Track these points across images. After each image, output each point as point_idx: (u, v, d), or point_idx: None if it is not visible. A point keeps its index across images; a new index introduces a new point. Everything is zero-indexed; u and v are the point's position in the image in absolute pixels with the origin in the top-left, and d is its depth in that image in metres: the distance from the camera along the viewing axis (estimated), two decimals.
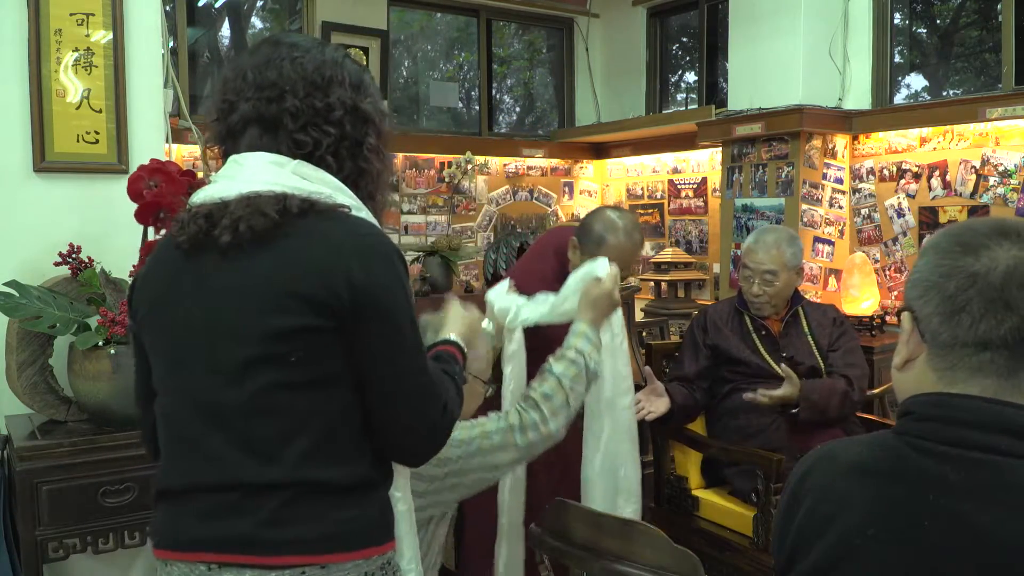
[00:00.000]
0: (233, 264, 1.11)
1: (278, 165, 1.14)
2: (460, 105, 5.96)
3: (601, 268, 1.95)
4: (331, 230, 1.11)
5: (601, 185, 6.13)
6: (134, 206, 2.04)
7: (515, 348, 2.07)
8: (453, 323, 1.44)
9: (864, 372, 2.58)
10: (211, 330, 1.12)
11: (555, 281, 2.15)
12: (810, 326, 2.65)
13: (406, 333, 1.14)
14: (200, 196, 1.16)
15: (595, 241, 2.26)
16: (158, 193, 1.97)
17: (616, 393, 2.10)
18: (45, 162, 2.32)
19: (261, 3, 5.39)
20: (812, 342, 2.62)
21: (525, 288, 2.14)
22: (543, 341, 2.01)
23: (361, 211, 1.17)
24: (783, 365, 2.46)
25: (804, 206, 4.08)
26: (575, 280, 1.98)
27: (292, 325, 1.08)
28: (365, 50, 5.12)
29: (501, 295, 2.08)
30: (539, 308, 2.03)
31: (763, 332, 2.61)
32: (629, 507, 2.15)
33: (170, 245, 1.17)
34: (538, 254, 2.55)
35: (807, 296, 3.08)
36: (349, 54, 1.25)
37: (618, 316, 2.09)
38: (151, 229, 2.08)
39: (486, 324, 2.03)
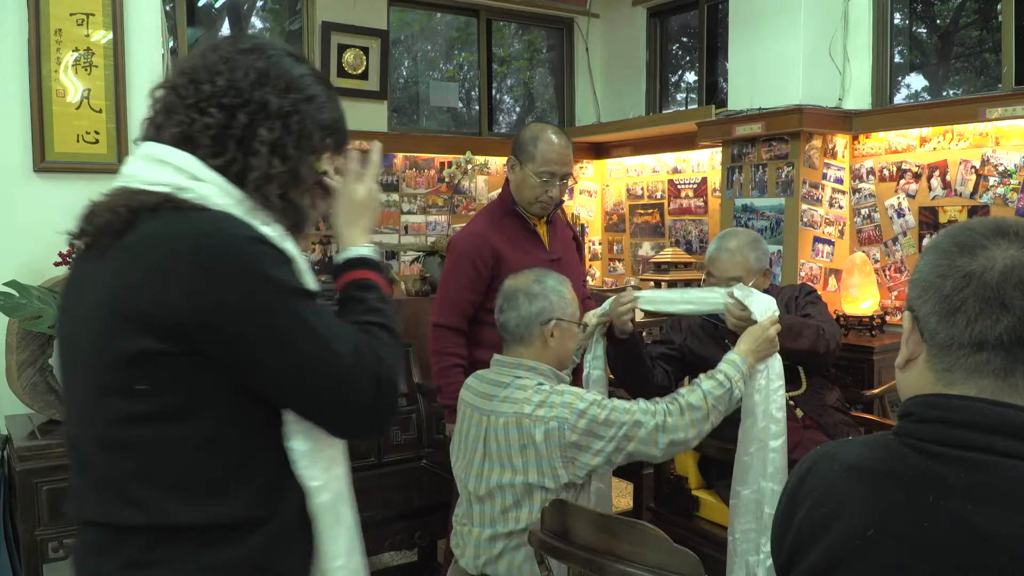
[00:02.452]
0: (94, 274, 1.02)
1: (148, 154, 1.07)
2: (460, 105, 5.96)
3: (766, 308, 2.16)
4: (172, 234, 0.99)
5: (601, 185, 6.12)
6: None
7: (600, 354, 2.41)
8: (351, 218, 1.25)
9: (835, 328, 2.55)
10: (75, 352, 1.04)
11: (498, 208, 2.59)
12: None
13: (289, 332, 1.00)
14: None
15: (530, 148, 2.48)
16: None
17: (768, 435, 2.09)
18: (45, 162, 2.32)
19: (261, 3, 5.39)
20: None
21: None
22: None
23: (235, 207, 1.05)
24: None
25: (804, 206, 4.08)
26: (717, 295, 2.29)
27: (130, 349, 0.97)
28: (365, 50, 5.12)
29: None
30: (663, 295, 2.36)
31: (733, 336, 2.57)
32: (767, 547, 2.15)
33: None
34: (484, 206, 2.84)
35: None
36: (293, 54, 1.16)
37: (778, 362, 2.12)
38: None
39: (590, 316, 2.39)
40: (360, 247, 1.20)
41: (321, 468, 1.08)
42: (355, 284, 1.16)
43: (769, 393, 2.09)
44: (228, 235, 1.00)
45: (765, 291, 2.61)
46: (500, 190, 2.66)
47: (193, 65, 1.11)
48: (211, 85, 1.08)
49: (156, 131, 1.09)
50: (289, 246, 1.08)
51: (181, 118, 1.06)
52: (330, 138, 1.18)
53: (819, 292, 4.07)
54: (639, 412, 1.89)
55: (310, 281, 1.10)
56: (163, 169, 1.04)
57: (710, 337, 2.64)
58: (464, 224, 2.84)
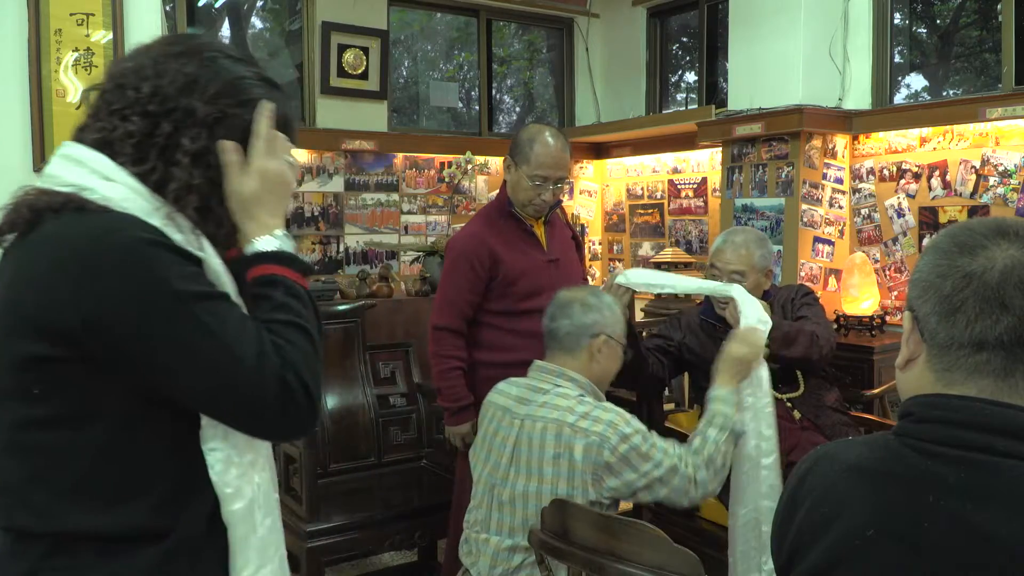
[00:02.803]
0: (3, 274, 1.00)
1: (67, 154, 1.04)
2: (460, 105, 5.96)
3: (759, 317, 2.16)
4: (66, 235, 0.96)
5: (601, 185, 6.12)
6: None
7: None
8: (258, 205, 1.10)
9: (830, 332, 2.54)
10: None
11: (495, 209, 2.61)
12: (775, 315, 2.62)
13: (184, 337, 0.96)
14: None
15: (524, 149, 2.47)
16: None
17: (760, 453, 2.08)
18: (45, 162, 2.32)
19: (261, 3, 5.39)
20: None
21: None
22: None
23: (150, 213, 1.01)
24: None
25: (804, 206, 4.08)
26: (712, 285, 2.34)
27: (23, 354, 0.95)
28: (365, 50, 5.12)
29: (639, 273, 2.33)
30: (652, 276, 2.33)
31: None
32: (769, 565, 2.14)
33: None
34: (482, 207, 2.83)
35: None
36: (232, 55, 1.11)
37: (766, 377, 2.12)
38: None
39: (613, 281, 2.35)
40: (262, 240, 1.09)
41: (236, 474, 1.05)
42: (258, 281, 1.07)
43: (758, 411, 2.08)
44: (123, 237, 0.96)
45: (765, 292, 2.62)
46: (499, 191, 2.66)
47: (123, 69, 1.07)
48: (136, 91, 1.04)
49: (80, 133, 1.07)
50: (199, 250, 1.03)
51: (103, 124, 1.03)
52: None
53: (819, 292, 4.09)
54: (676, 457, 1.89)
55: (226, 283, 1.05)
56: (78, 169, 1.02)
57: (709, 337, 2.64)
58: (463, 225, 2.84)
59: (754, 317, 2.16)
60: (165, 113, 1.03)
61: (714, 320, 2.62)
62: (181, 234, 1.02)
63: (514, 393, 2.05)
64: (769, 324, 2.19)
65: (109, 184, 1.00)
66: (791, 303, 2.64)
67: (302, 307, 1.06)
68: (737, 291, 2.25)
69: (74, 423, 0.97)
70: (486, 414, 2.11)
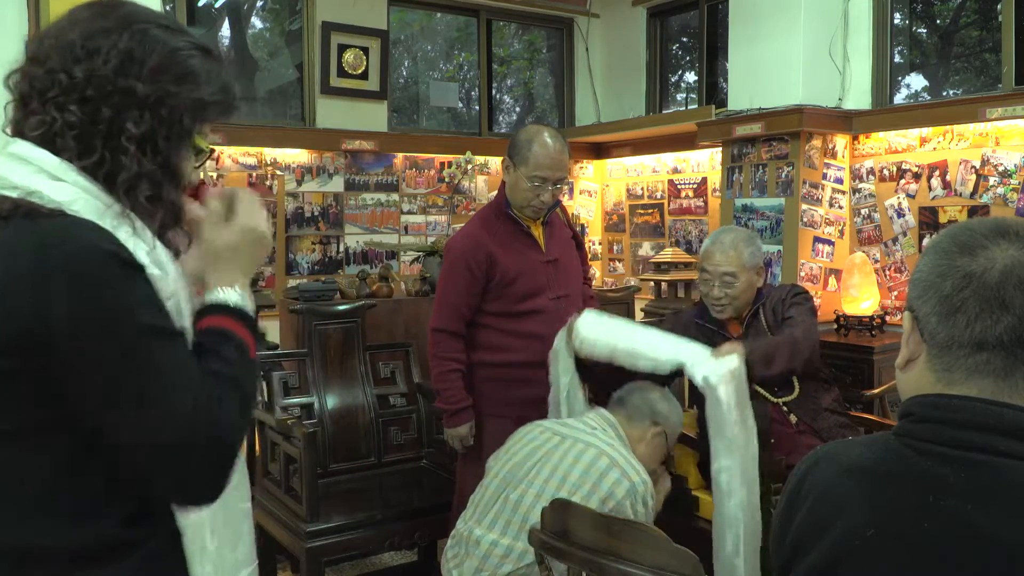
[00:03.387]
0: None
1: (13, 153, 0.98)
2: (460, 105, 5.96)
3: (714, 371, 2.09)
4: (13, 245, 0.90)
5: (601, 185, 6.12)
6: None
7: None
8: (227, 255, 1.08)
9: (811, 332, 2.48)
10: None
11: (492, 211, 2.58)
12: (767, 321, 2.60)
13: (122, 367, 0.90)
14: None
15: (523, 150, 2.46)
16: None
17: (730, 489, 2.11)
18: None
19: (261, 3, 5.39)
20: (771, 335, 2.57)
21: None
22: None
23: (102, 213, 0.96)
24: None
25: (804, 206, 4.08)
26: (666, 358, 2.21)
27: None
28: (365, 50, 5.12)
29: (592, 325, 2.30)
30: (606, 333, 2.29)
31: (724, 338, 2.54)
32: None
33: None
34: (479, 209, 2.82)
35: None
36: (166, 24, 1.04)
37: (754, 464, 2.10)
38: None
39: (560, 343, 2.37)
40: (226, 291, 1.05)
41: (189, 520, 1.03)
42: (211, 331, 1.02)
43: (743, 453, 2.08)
44: (75, 247, 0.90)
45: (758, 291, 2.60)
46: (497, 191, 2.66)
47: (47, 48, 0.98)
48: (69, 76, 0.96)
49: (17, 126, 1.00)
50: (154, 251, 0.99)
51: (41, 117, 0.97)
52: (208, 113, 1.06)
53: (819, 292, 4.10)
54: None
55: (181, 299, 1.01)
56: (23, 169, 0.95)
57: (706, 340, 2.62)
58: (462, 226, 2.84)
59: (700, 376, 2.13)
60: (103, 97, 0.97)
61: (709, 324, 2.61)
62: (136, 236, 0.97)
63: (558, 426, 2.16)
64: (719, 376, 2.11)
65: (57, 185, 0.95)
66: (782, 303, 2.62)
67: (248, 371, 1.02)
68: (688, 355, 2.20)
69: (33, 438, 0.93)
70: (524, 430, 2.17)
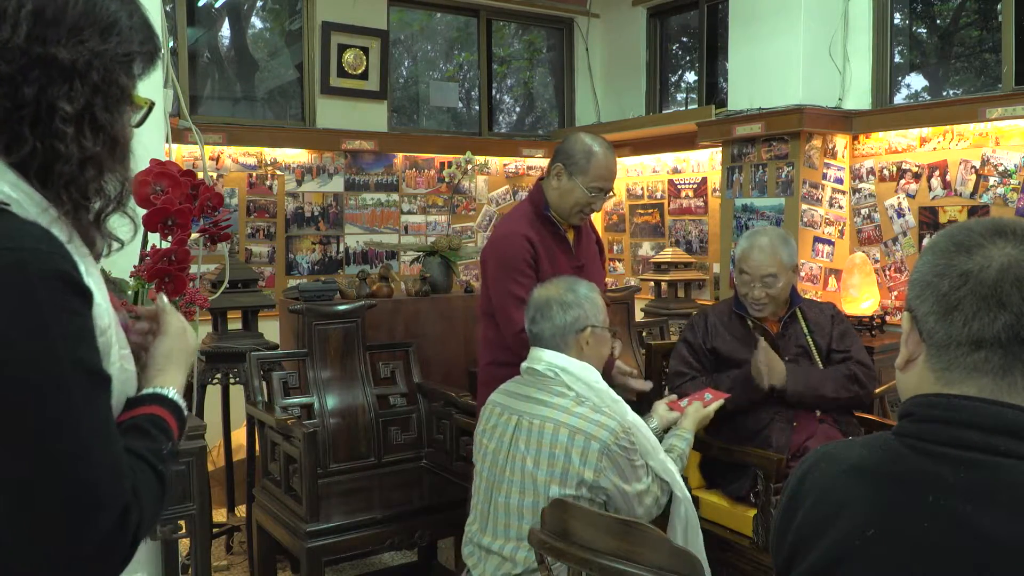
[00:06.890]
0: None
1: None
2: (460, 105, 5.96)
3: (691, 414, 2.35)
4: None
5: None
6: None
7: None
8: (167, 357, 1.02)
9: (871, 369, 2.61)
10: None
11: (532, 211, 2.55)
12: (808, 326, 2.65)
13: (43, 405, 0.77)
14: None
15: (582, 161, 2.47)
16: (167, 200, 1.93)
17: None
18: None
19: (261, 3, 5.39)
20: (811, 342, 2.62)
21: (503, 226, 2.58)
22: None
23: (43, 214, 0.84)
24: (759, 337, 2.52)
25: (804, 206, 4.08)
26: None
27: None
28: (365, 50, 5.12)
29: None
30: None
31: (762, 331, 2.61)
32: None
33: None
34: (513, 208, 2.74)
35: (806, 296, 3.09)
36: None
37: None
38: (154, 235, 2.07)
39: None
40: (170, 389, 1.00)
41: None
42: (146, 417, 0.94)
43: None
44: (16, 259, 0.77)
45: (793, 294, 2.64)
46: (529, 192, 2.63)
47: None
48: None
49: None
50: (83, 265, 0.85)
51: None
52: (143, 64, 0.94)
53: (819, 292, 4.10)
54: (652, 482, 2.02)
55: (110, 324, 0.89)
56: None
57: (737, 338, 2.64)
58: (499, 223, 2.83)
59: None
60: (20, 72, 0.81)
61: (742, 312, 2.64)
62: (69, 243, 0.85)
63: (511, 389, 2.10)
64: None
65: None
66: (825, 332, 2.65)
67: (169, 466, 0.93)
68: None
69: None
70: (484, 413, 2.14)
